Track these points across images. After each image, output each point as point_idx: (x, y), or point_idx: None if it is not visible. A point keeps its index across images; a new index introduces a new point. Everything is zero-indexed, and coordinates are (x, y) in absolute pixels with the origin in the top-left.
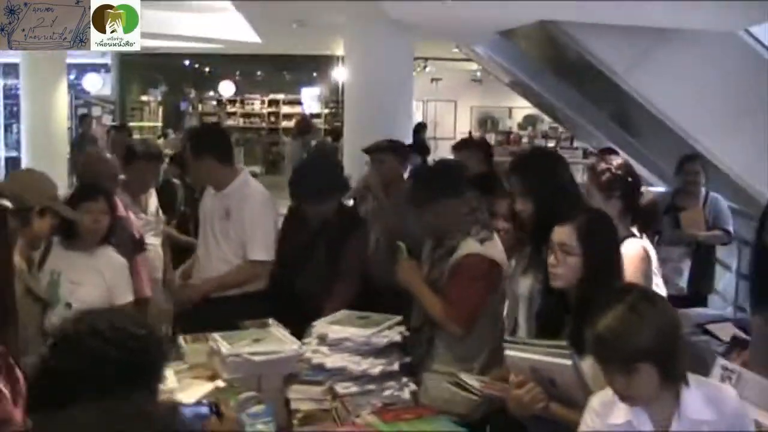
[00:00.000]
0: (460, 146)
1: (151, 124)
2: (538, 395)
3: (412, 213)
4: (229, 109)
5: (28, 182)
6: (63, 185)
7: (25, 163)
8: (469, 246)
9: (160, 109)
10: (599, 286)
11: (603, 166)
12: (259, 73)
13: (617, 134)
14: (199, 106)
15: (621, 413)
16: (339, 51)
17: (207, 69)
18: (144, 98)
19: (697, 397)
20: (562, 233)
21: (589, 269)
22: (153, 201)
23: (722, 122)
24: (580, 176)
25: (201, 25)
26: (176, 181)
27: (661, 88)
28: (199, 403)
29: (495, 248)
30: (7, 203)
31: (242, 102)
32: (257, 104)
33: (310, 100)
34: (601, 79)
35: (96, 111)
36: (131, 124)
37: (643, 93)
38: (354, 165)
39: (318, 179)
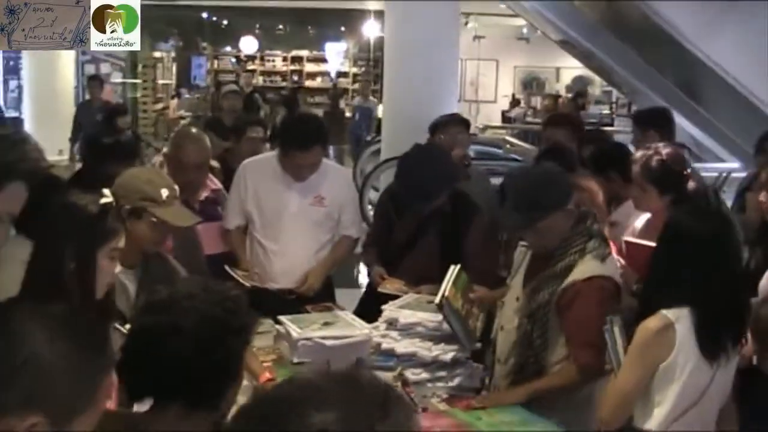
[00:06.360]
0: (550, 122)
1: (165, 82)
2: None
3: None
4: (249, 66)
5: (128, 179)
6: (67, 152)
7: (27, 125)
8: (590, 266)
9: (174, 67)
10: None
11: (656, 158)
12: (280, 27)
13: (683, 102)
14: (215, 63)
15: None
16: (371, 5)
17: (225, 22)
18: (157, 54)
19: None
20: None
21: None
22: None
23: None
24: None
25: None
26: None
27: (736, 55)
28: None
29: (615, 265)
30: (108, 199)
31: (262, 59)
32: (279, 61)
33: (336, 56)
34: (668, 43)
35: (105, 68)
36: (144, 81)
37: (716, 59)
38: (395, 128)
39: (427, 175)
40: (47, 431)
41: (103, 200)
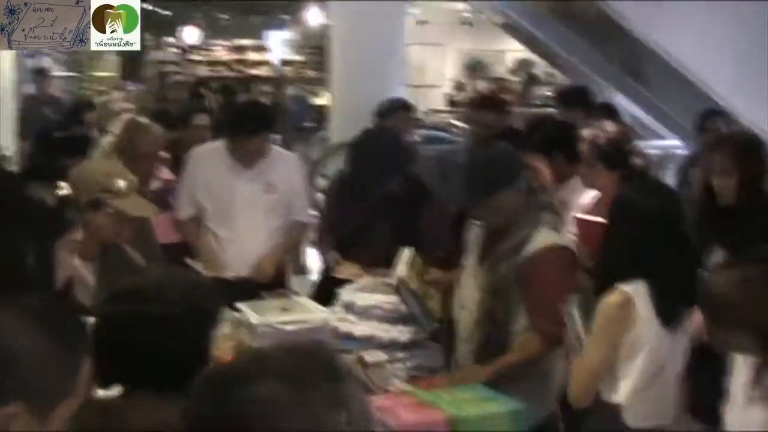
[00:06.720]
0: (477, 105)
1: (107, 74)
2: None
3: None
4: (192, 56)
5: (87, 171)
6: (8, 147)
7: None
8: (547, 236)
9: (117, 59)
10: None
11: (603, 136)
12: (224, 16)
13: (628, 86)
14: (159, 54)
15: None
16: None
17: (167, 13)
18: None
19: None
20: None
21: None
22: None
23: (747, 78)
24: None
25: None
26: None
27: (680, 39)
28: None
29: (569, 238)
30: (67, 191)
31: (205, 49)
32: (222, 51)
33: (280, 45)
34: (612, 26)
35: (46, 62)
36: (87, 74)
37: (660, 43)
38: (343, 114)
39: (380, 160)
40: (28, 421)
41: (61, 193)
